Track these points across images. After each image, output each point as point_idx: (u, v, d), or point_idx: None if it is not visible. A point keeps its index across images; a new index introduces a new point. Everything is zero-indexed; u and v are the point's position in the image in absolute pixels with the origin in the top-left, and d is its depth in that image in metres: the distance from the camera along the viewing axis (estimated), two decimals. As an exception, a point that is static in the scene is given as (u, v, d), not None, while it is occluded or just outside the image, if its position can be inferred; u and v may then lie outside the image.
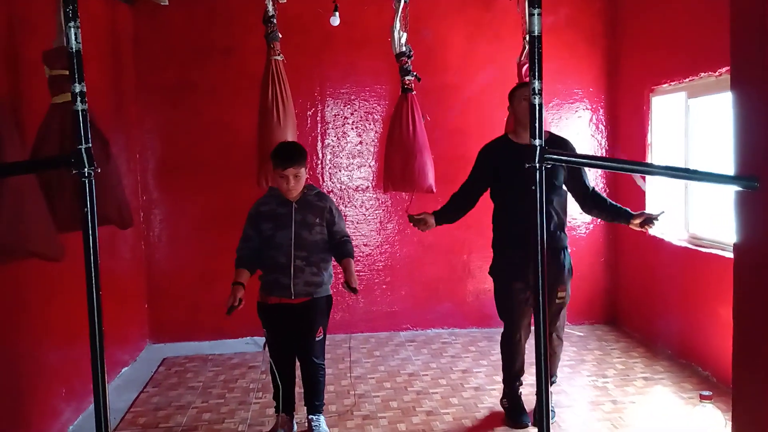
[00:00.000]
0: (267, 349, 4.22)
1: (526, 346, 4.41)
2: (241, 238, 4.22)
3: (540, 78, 1.97)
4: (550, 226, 4.22)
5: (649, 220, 4.10)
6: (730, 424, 2.42)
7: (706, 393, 3.73)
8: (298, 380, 4.34)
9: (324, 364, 4.26)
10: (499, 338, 4.50)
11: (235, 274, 4.09)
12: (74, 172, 2.03)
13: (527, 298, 4.27)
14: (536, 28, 1.98)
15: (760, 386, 2.21)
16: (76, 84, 2.01)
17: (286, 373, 4.24)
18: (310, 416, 4.26)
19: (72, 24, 1.99)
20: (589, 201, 4.37)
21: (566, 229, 4.39)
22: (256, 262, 4.16)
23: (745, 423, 2.33)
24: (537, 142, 1.96)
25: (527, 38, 5.46)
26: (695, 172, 2.83)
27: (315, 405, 4.26)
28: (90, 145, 2.04)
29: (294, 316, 4.12)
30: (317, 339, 4.17)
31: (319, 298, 4.17)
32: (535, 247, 2.00)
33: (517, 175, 3.90)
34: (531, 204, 1.98)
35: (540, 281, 2.00)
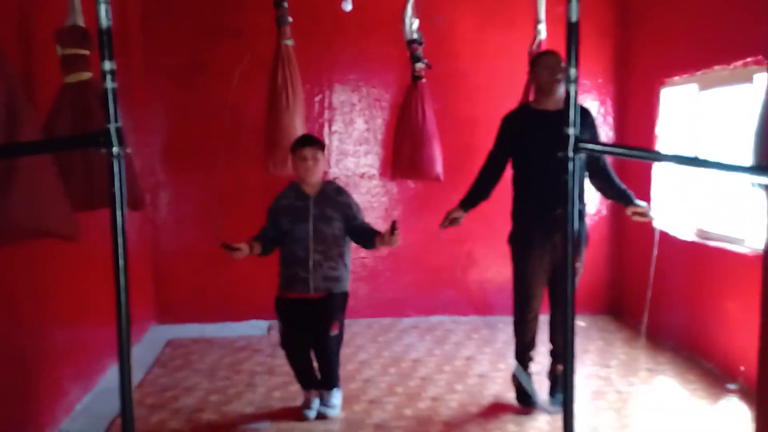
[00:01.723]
0: (279, 338, 4.28)
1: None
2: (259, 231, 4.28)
3: (576, 65, 1.97)
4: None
5: (644, 214, 4.14)
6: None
7: (732, 386, 3.71)
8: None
9: (338, 356, 4.31)
10: (501, 326, 4.50)
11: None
12: (103, 151, 2.03)
13: (544, 265, 4.26)
14: (574, 14, 1.97)
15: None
16: (107, 61, 2.01)
17: (303, 361, 4.30)
18: (323, 390, 4.31)
19: (103, 1, 1.97)
20: (598, 173, 4.36)
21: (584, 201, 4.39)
22: (269, 246, 4.21)
23: None
24: (570, 131, 1.95)
25: (539, 27, 5.50)
26: (714, 163, 2.82)
27: (330, 382, 4.31)
28: (120, 124, 2.03)
29: (311, 312, 4.16)
30: (332, 334, 4.19)
31: (337, 294, 4.21)
32: (564, 239, 2.00)
33: (540, 142, 3.89)
34: (563, 194, 1.98)
35: (569, 272, 2.00)
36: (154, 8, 6.11)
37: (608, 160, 4.44)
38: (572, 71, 1.92)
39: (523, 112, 4.42)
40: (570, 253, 2.04)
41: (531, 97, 4.91)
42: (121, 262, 2.02)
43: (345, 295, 4.32)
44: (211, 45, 6.17)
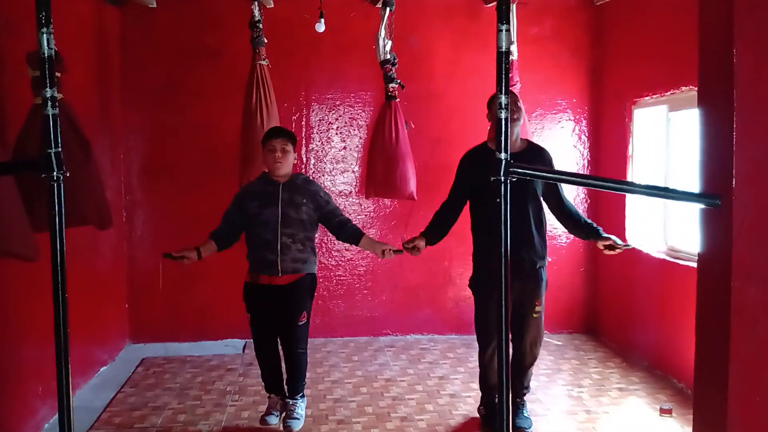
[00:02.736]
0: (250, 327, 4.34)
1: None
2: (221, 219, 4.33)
3: (506, 93, 2.00)
4: (531, 239, 4.24)
5: (613, 247, 4.16)
6: (690, 437, 2.45)
7: (666, 407, 3.78)
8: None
9: (306, 352, 4.32)
10: (477, 345, 4.52)
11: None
12: (43, 176, 2.06)
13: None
14: (504, 43, 2.00)
15: (720, 398, 2.25)
16: (47, 89, 2.03)
17: (271, 357, 4.31)
18: (289, 400, 4.32)
19: (44, 30, 2.01)
20: (562, 214, 4.40)
21: (546, 240, 4.42)
22: (227, 239, 4.27)
23: (705, 436, 2.37)
24: (502, 155, 1.99)
25: (511, 48, 5.55)
26: (662, 189, 2.88)
27: (295, 388, 4.33)
28: (59, 149, 2.06)
29: (279, 298, 4.18)
30: (300, 324, 4.20)
31: (305, 276, 4.23)
32: (499, 260, 2.03)
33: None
34: (496, 217, 2.01)
35: (504, 296, 2.03)
36: (133, 28, 6.14)
37: (565, 196, 4.45)
38: (502, 98, 1.95)
39: (480, 153, 4.36)
40: (506, 276, 2.06)
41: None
42: (60, 283, 2.05)
43: (313, 278, 4.34)
44: (188, 65, 6.21)
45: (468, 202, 4.41)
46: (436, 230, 4.41)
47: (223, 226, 4.30)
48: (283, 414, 4.35)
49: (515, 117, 4.12)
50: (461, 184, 4.40)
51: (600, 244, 4.23)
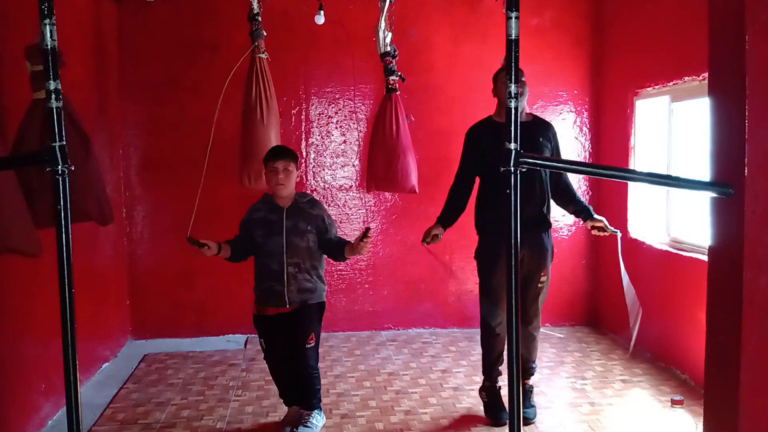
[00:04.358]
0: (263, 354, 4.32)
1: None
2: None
3: (516, 81, 1.98)
4: (537, 204, 4.26)
5: (603, 229, 4.20)
6: (701, 428, 2.44)
7: (677, 398, 3.77)
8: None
9: (318, 371, 4.28)
10: (479, 339, 4.52)
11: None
12: (48, 169, 2.03)
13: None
14: (513, 31, 1.98)
15: (732, 390, 2.23)
16: (51, 81, 2.01)
17: (285, 376, 4.30)
18: (304, 410, 4.27)
19: (47, 21, 1.98)
20: (559, 189, 4.44)
21: (551, 214, 4.41)
22: (240, 254, 4.22)
23: (716, 426, 2.35)
24: (512, 146, 1.97)
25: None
26: (673, 178, 2.86)
27: (309, 404, 4.26)
28: (64, 142, 2.03)
29: (288, 324, 4.15)
30: (309, 346, 4.17)
31: (312, 304, 4.20)
32: (509, 251, 2.01)
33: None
34: (507, 206, 1.99)
35: (514, 280, 2.01)
36: (130, 23, 6.10)
37: (569, 179, 4.51)
38: (512, 87, 1.92)
39: (485, 125, 4.43)
40: (515, 264, 2.04)
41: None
42: (66, 279, 2.02)
43: (321, 306, 4.31)
44: (186, 60, 6.17)
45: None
46: (452, 213, 4.43)
47: (235, 241, 4.22)
48: (297, 422, 4.26)
49: (520, 91, 4.11)
50: (469, 158, 4.42)
51: (589, 224, 4.34)
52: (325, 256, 4.34)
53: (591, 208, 4.40)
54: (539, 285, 4.32)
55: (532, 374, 4.55)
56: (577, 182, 6.47)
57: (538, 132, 4.31)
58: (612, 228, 4.30)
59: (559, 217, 6.29)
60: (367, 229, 3.96)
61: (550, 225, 4.39)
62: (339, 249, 4.19)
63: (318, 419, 4.27)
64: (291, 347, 4.20)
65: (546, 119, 4.56)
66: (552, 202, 4.42)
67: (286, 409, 4.42)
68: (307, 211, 4.21)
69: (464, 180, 4.46)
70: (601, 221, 4.29)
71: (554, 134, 4.43)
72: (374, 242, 6.48)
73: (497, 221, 4.24)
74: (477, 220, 4.44)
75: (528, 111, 4.49)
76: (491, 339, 4.41)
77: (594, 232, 4.35)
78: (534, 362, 4.53)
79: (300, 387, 4.28)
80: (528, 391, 4.50)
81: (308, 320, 4.19)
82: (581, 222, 6.31)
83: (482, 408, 4.56)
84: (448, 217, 4.44)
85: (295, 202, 4.22)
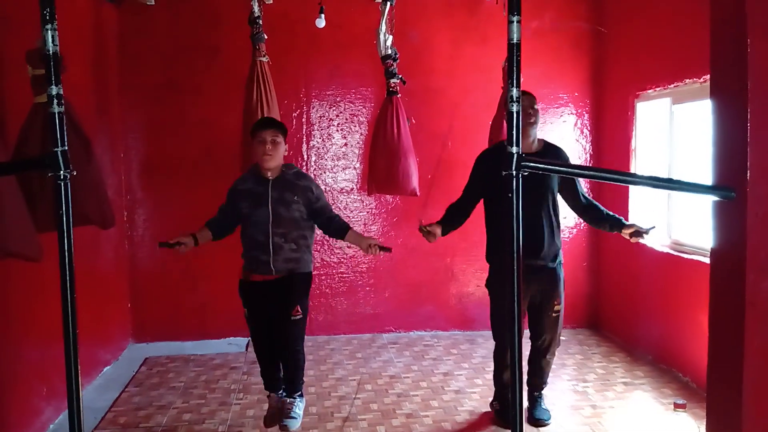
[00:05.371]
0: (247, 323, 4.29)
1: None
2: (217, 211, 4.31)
3: (518, 86, 1.98)
4: (547, 234, 4.22)
5: (639, 233, 4.12)
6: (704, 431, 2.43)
7: (680, 401, 3.76)
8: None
9: (303, 350, 4.25)
10: (481, 341, 4.52)
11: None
12: (49, 174, 2.02)
13: (522, 310, 4.27)
14: (515, 35, 1.98)
15: (734, 393, 2.23)
16: (53, 86, 2.00)
17: (267, 352, 4.26)
18: (287, 398, 4.26)
19: (49, 26, 1.98)
20: (583, 209, 4.40)
21: (561, 238, 4.41)
22: (222, 230, 4.24)
23: (719, 430, 2.35)
24: (514, 149, 1.97)
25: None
26: (675, 181, 2.86)
27: (293, 387, 4.26)
28: (66, 148, 2.03)
29: (273, 292, 4.12)
30: (294, 318, 4.12)
31: (298, 273, 4.17)
32: (511, 255, 2.01)
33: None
34: (507, 212, 1.99)
35: (516, 291, 2.00)
36: (131, 26, 6.10)
37: (586, 190, 4.46)
38: (514, 92, 1.92)
39: (497, 153, 4.32)
40: (516, 264, 2.03)
41: (501, 135, 4.93)
42: (68, 283, 2.02)
43: (308, 276, 4.27)
44: (187, 63, 6.18)
45: (482, 201, 4.39)
46: (450, 223, 4.39)
47: (218, 217, 4.27)
48: (281, 413, 4.24)
49: (532, 120, 4.11)
50: (475, 184, 4.38)
51: (625, 233, 4.20)
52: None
53: (622, 218, 4.30)
54: (554, 314, 4.30)
55: (543, 389, 4.56)
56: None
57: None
58: (645, 227, 4.19)
59: (560, 218, 6.26)
60: (389, 249, 4.03)
61: (558, 248, 4.35)
62: (338, 229, 4.19)
63: (300, 406, 4.26)
64: (276, 320, 4.16)
65: (556, 144, 4.47)
66: (560, 235, 4.39)
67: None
68: (294, 182, 4.17)
69: (466, 201, 4.41)
70: (633, 226, 4.18)
71: (566, 160, 4.42)
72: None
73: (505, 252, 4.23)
74: (487, 251, 4.42)
75: (539, 138, 4.36)
76: (504, 366, 4.40)
77: (633, 239, 4.18)
78: (545, 382, 4.56)
79: (284, 367, 4.25)
80: (538, 398, 4.51)
81: (294, 291, 4.15)
82: (583, 224, 6.44)
83: (483, 409, 4.59)
84: (446, 225, 4.38)
85: (282, 173, 4.18)
